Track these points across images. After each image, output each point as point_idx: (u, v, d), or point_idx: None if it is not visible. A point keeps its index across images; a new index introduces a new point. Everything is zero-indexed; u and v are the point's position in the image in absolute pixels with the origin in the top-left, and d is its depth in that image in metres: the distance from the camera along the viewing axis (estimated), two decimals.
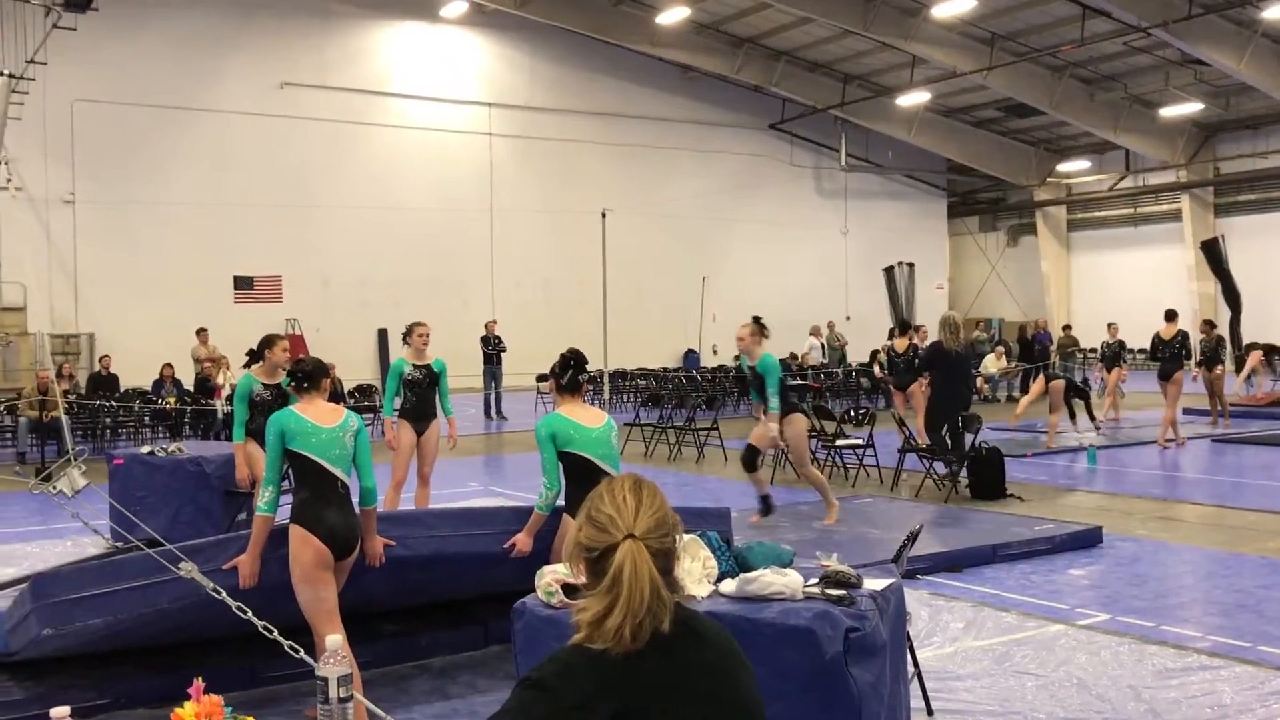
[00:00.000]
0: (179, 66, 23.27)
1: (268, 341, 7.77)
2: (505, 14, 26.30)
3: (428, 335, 8.86)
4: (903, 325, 17.95)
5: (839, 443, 12.20)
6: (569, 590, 4.07)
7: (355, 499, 4.85)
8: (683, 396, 17.52)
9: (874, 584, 4.02)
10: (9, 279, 20.87)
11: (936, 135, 31.58)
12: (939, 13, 23.57)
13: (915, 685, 4.77)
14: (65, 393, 16.24)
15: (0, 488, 10.31)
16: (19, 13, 19.12)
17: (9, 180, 4.96)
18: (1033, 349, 22.81)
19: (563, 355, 5.41)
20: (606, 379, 22.00)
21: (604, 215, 21.86)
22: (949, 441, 10.72)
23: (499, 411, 19.76)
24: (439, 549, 5.30)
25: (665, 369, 24.72)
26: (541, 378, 5.34)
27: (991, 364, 21.30)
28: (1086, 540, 8.43)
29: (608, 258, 22.64)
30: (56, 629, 4.91)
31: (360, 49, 25.82)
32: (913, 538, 5.33)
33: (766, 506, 9.00)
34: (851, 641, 3.62)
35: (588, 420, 5.24)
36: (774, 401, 8.51)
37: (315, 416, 4.82)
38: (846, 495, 10.40)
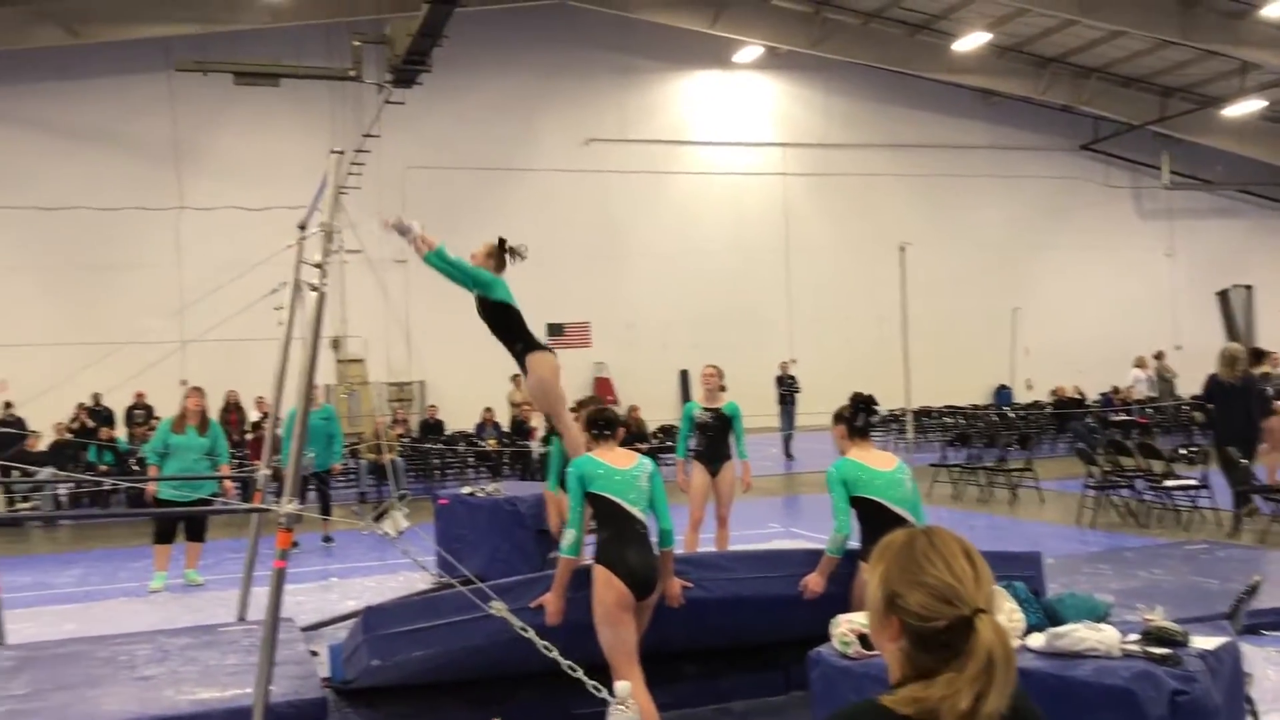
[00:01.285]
0: (496, 130, 24.91)
1: (579, 407, 8.23)
2: (799, 54, 26.45)
3: (713, 378, 8.96)
4: (1255, 354, 16.40)
5: (1168, 483, 11.30)
6: (865, 641, 3.97)
7: (654, 540, 4.97)
8: (993, 435, 16.78)
9: (1204, 642, 3.66)
10: (353, 333, 22.93)
11: (1274, 145, 28.84)
12: (1270, 13, 21.60)
13: None
14: (399, 436, 17.65)
15: (343, 526, 11.27)
16: (357, 92, 21.17)
17: (340, 248, 5.54)
18: None
19: (853, 398, 5.36)
20: (910, 417, 21.43)
21: (902, 249, 21.39)
22: (1232, 477, 10.02)
23: (788, 452, 19.71)
24: (735, 591, 5.35)
25: (974, 406, 23.80)
26: (836, 419, 5.29)
27: None
28: None
29: (909, 291, 22.12)
30: (384, 660, 5.28)
31: (659, 101, 26.70)
32: (1253, 589, 4.83)
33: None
34: (1179, 705, 3.30)
35: (879, 464, 5.18)
36: None
37: (612, 460, 5.05)
38: (1178, 540, 9.59)
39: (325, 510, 11.78)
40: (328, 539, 11.72)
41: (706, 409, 8.88)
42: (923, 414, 22.37)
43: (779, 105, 27.73)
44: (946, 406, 22.99)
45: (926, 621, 1.71)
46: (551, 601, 4.95)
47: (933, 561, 1.75)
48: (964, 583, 1.72)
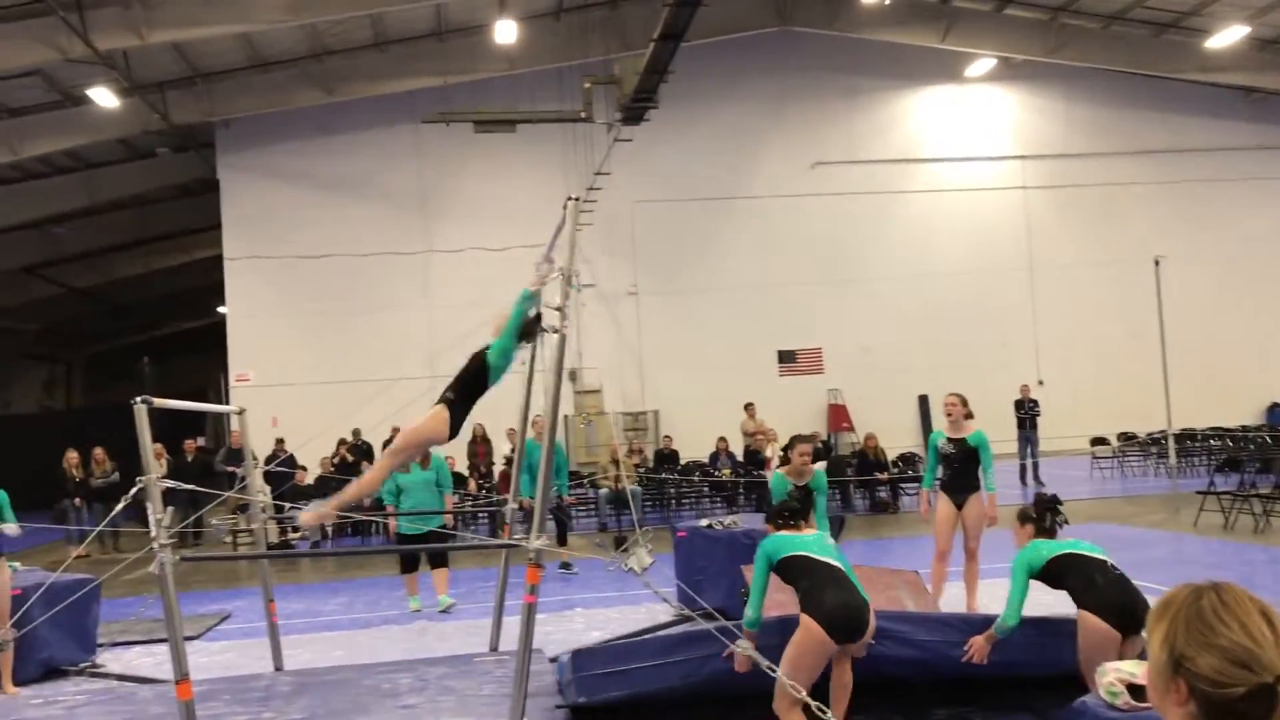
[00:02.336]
0: (721, 159, 25.08)
1: (792, 443, 8.11)
2: (1035, 63, 25.42)
3: (955, 406, 8.62)
4: None
5: None
6: (1135, 692, 3.76)
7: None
8: (1269, 458, 15.45)
9: None
10: (588, 365, 23.53)
11: None
12: None
13: None
14: (636, 466, 17.92)
15: (584, 554, 11.51)
16: (589, 131, 21.79)
17: (578, 290, 5.72)
18: None
19: (1037, 499, 5.49)
20: (1171, 440, 20.06)
21: (1157, 262, 20.13)
22: None
23: (1036, 478, 18.78)
24: (917, 656, 5.58)
25: (1244, 427, 22.07)
26: (1023, 519, 5.25)
27: None
28: None
29: (1166, 307, 20.80)
30: (589, 698, 5.77)
31: (888, 120, 26.20)
32: None
33: None
34: None
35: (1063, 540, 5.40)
36: None
37: (794, 531, 5.58)
38: None
39: (562, 539, 12.15)
40: (566, 565, 12.01)
41: (951, 439, 8.59)
42: (1186, 437, 20.90)
43: (1016, 116, 26.69)
44: (1212, 428, 21.39)
45: (1221, 688, 1.56)
46: (741, 663, 5.24)
47: (1226, 622, 1.60)
48: (1263, 646, 1.56)
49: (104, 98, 19.91)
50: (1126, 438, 21.00)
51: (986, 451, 8.46)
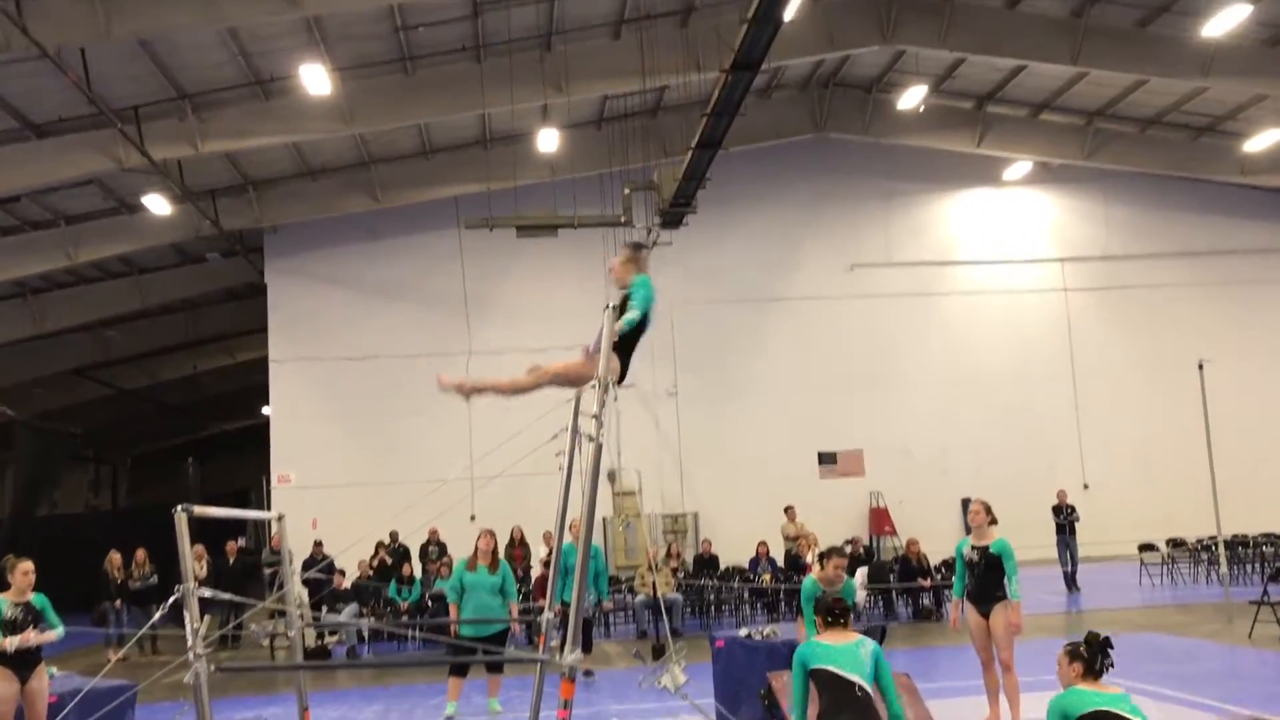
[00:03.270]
0: (760, 261, 25.27)
1: (828, 554, 8.27)
2: (1073, 166, 25.57)
3: (979, 514, 8.55)
4: None
5: None
6: None
7: None
8: None
9: None
10: (628, 465, 23.47)
11: None
12: None
13: None
14: (674, 570, 17.73)
15: (622, 664, 11.33)
16: (628, 235, 22.06)
17: (615, 398, 5.80)
18: None
19: (1088, 639, 5.20)
20: (1222, 547, 19.56)
21: (1201, 365, 19.89)
22: None
23: (1074, 583, 18.40)
24: None
25: None
26: (1071, 655, 5.10)
27: None
28: None
29: (1211, 409, 20.46)
30: None
31: (924, 222, 26.35)
32: None
33: None
34: None
35: (1105, 689, 5.13)
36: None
37: (832, 639, 5.69)
38: None
39: (587, 644, 11.94)
40: (588, 673, 11.80)
41: (975, 546, 8.48)
42: (1238, 543, 20.39)
43: (1054, 219, 26.76)
44: (1265, 534, 20.86)
45: None
46: None
47: None
48: None
49: (158, 205, 20.51)
50: (1175, 543, 20.54)
51: (1010, 560, 8.32)
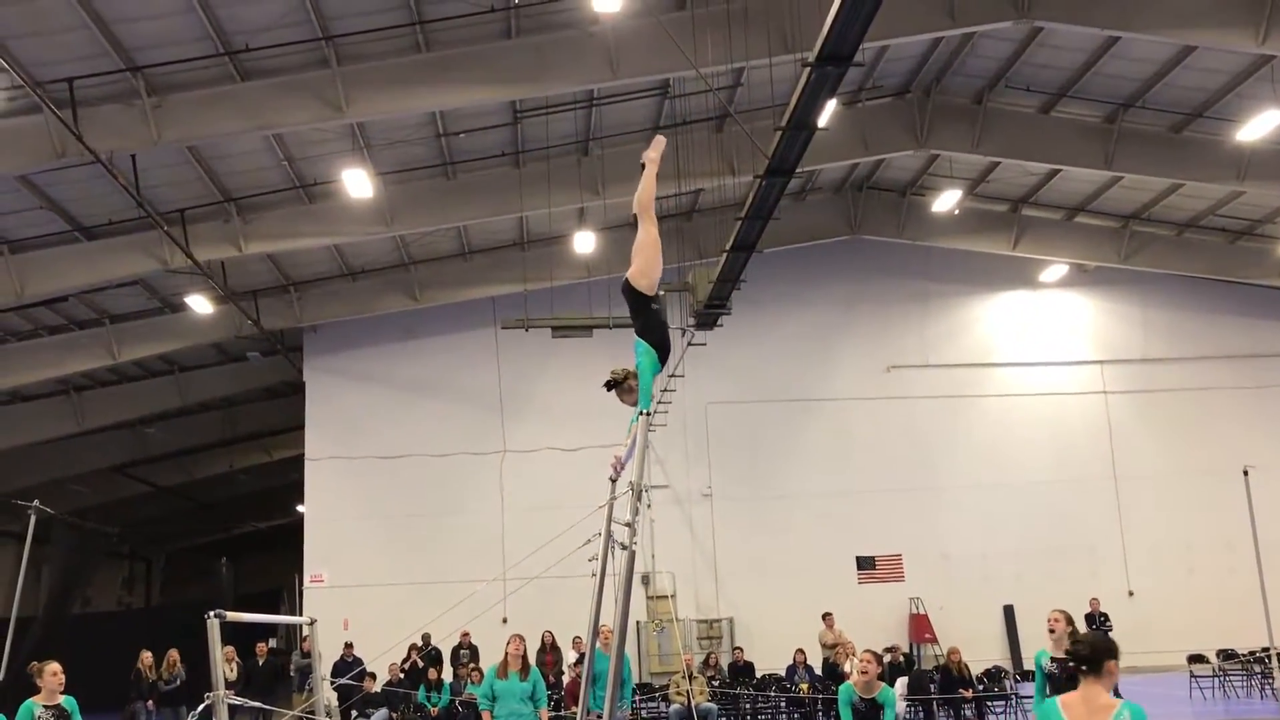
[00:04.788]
0: (796, 362, 25.20)
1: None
2: (1109, 268, 25.50)
3: (1054, 623, 8.29)
4: None
5: None
6: None
7: None
8: None
9: None
10: (661, 568, 23.20)
11: None
12: None
13: None
14: (710, 679, 17.36)
15: None
16: None
17: (649, 505, 5.76)
18: None
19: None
20: (1276, 658, 18.96)
21: (1246, 472, 19.53)
22: None
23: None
24: None
25: None
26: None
27: None
28: None
29: (1258, 516, 20.02)
30: None
31: (961, 324, 26.25)
32: None
33: None
34: None
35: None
36: None
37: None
38: None
39: None
40: None
41: (1055, 658, 8.14)
42: None
43: (1092, 321, 26.59)
44: None
45: None
46: None
47: None
48: None
49: (200, 305, 20.87)
50: (1226, 655, 19.92)
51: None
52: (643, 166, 6.73)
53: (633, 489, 5.59)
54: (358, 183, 17.34)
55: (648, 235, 6.32)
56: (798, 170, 15.33)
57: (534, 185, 18.96)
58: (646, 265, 6.25)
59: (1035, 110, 20.19)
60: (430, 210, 19.68)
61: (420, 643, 19.02)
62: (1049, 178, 22.73)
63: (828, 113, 14.48)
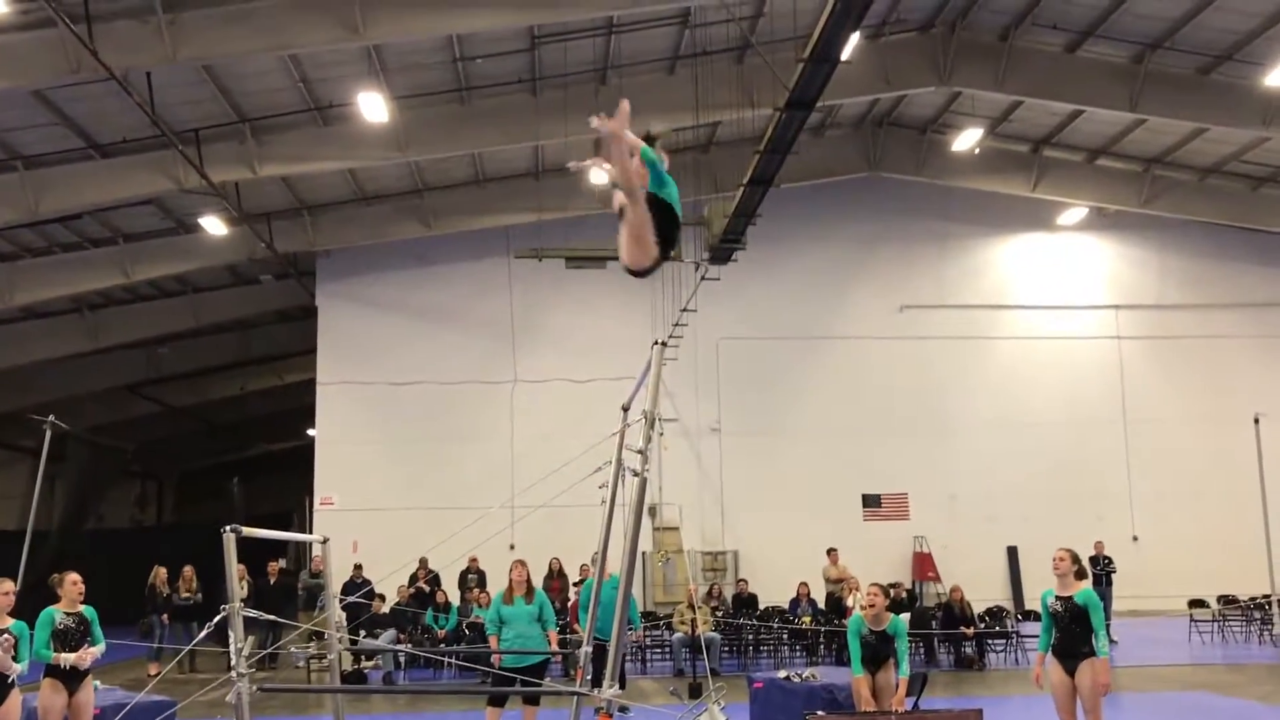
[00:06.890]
0: (809, 300, 25.14)
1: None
2: (1129, 213, 25.27)
3: (1064, 562, 8.29)
4: None
5: None
6: None
7: None
8: None
9: None
10: (668, 500, 23.36)
11: None
12: None
13: None
14: (714, 609, 17.57)
15: (658, 701, 11.22)
16: (677, 269, 22.06)
17: (661, 434, 5.74)
18: None
19: None
20: (1276, 605, 19.11)
21: (1257, 420, 19.52)
22: None
23: (1110, 638, 18.04)
24: None
25: None
26: None
27: None
28: None
29: (1266, 465, 20.06)
30: None
31: (977, 266, 26.11)
32: None
33: None
34: None
35: None
36: None
37: None
38: None
39: (621, 680, 11.78)
40: (623, 709, 11.67)
41: (1059, 597, 8.19)
42: None
43: (1109, 266, 26.43)
44: None
45: None
46: None
47: None
48: None
49: (214, 226, 20.84)
50: (1227, 600, 20.08)
51: (1098, 612, 8.04)
52: (597, 145, 5.74)
53: (646, 418, 5.60)
54: (373, 106, 17.21)
55: (638, 216, 5.34)
56: (818, 105, 15.15)
57: (550, 114, 18.75)
58: (649, 247, 5.36)
59: (1061, 49, 19.86)
60: (445, 136, 19.51)
61: (418, 567, 19.27)
62: (1071, 118, 22.43)
63: (851, 46, 14.28)
